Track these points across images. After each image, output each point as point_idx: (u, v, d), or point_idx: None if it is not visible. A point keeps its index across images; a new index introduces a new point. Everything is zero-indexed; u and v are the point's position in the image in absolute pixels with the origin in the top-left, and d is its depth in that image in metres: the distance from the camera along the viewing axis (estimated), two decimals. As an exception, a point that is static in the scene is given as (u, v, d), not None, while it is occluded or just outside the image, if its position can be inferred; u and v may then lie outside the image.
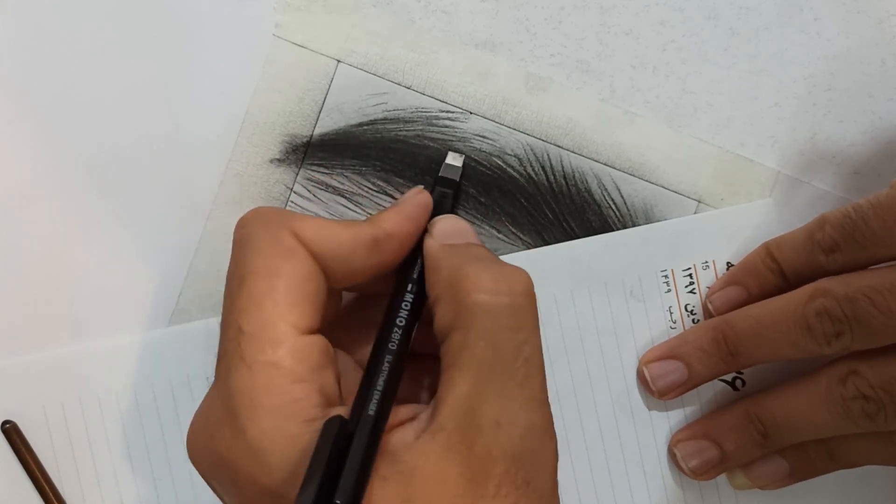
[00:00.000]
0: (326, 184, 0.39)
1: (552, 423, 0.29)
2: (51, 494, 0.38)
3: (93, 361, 0.38)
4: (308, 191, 0.39)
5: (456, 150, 0.38)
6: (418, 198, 0.34)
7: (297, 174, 0.39)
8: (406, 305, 0.32)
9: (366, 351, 0.31)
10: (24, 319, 0.38)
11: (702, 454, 0.37)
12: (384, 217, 0.32)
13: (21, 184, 0.38)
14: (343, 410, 0.29)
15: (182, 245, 0.39)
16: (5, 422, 0.38)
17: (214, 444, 0.29)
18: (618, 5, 0.38)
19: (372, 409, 0.29)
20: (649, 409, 0.39)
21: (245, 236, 0.31)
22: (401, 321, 0.31)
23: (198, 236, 0.39)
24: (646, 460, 0.39)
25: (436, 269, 0.31)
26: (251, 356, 0.29)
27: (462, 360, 0.28)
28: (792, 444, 0.36)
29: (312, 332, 0.30)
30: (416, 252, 0.33)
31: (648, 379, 0.38)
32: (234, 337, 0.29)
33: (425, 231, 0.33)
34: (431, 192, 0.35)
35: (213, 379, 0.30)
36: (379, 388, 0.29)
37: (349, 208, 0.39)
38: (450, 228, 0.33)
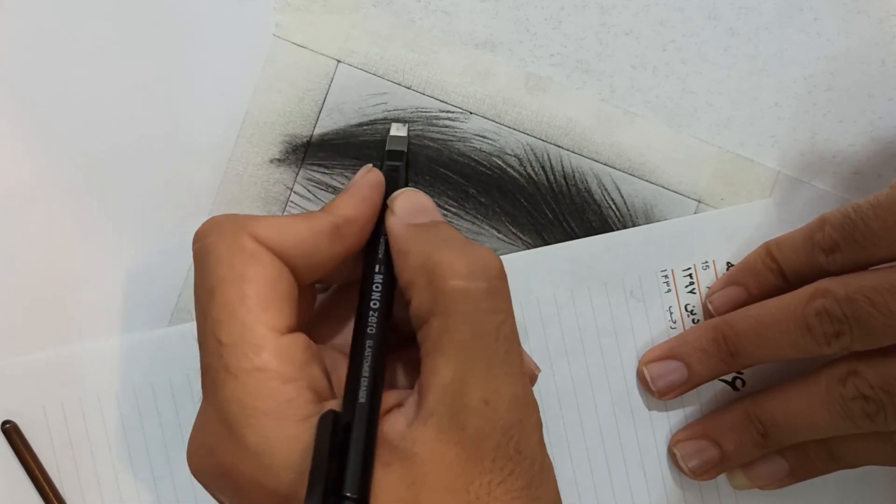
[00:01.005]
0: (326, 184, 0.39)
1: (532, 393, 0.30)
2: (51, 494, 0.38)
3: (93, 361, 0.38)
4: (308, 191, 0.39)
5: (399, 120, 0.38)
6: (369, 177, 0.33)
7: (297, 174, 0.39)
8: (377, 287, 0.31)
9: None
10: (24, 319, 0.38)
11: (702, 454, 0.37)
12: (339, 203, 0.32)
13: (21, 184, 0.38)
14: (336, 403, 0.29)
15: (182, 245, 0.38)
16: (5, 422, 0.38)
17: (216, 458, 0.29)
18: (618, 5, 0.38)
19: (363, 396, 0.29)
20: (649, 409, 0.39)
21: (205, 248, 0.30)
22: (375, 304, 0.31)
23: (198, 236, 0.39)
24: (646, 460, 0.39)
25: (404, 252, 0.31)
26: (236, 366, 0.29)
27: (444, 345, 0.29)
28: (792, 445, 0.36)
29: (291, 330, 0.30)
30: (377, 231, 0.33)
31: (648, 379, 0.38)
32: (215, 350, 0.29)
33: (385, 208, 0.33)
34: (381, 168, 0.35)
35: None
36: (366, 374, 0.29)
37: (349, 208, 0.39)
38: (411, 205, 0.33)
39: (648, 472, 0.39)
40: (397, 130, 0.37)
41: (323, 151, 0.39)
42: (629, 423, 0.39)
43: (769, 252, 0.37)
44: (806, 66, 0.39)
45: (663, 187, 0.39)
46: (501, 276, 0.30)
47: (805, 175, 0.39)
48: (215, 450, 0.29)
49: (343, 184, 0.39)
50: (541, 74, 0.39)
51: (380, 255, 0.32)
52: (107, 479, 0.38)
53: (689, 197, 0.39)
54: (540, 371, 0.35)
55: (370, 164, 0.35)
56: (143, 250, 0.39)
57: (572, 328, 0.38)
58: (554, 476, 0.30)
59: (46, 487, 0.38)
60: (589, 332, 0.38)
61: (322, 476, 0.26)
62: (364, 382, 0.29)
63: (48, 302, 0.38)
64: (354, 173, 0.38)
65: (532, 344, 0.38)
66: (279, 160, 0.39)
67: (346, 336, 0.34)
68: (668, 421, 0.39)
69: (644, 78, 0.39)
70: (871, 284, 0.33)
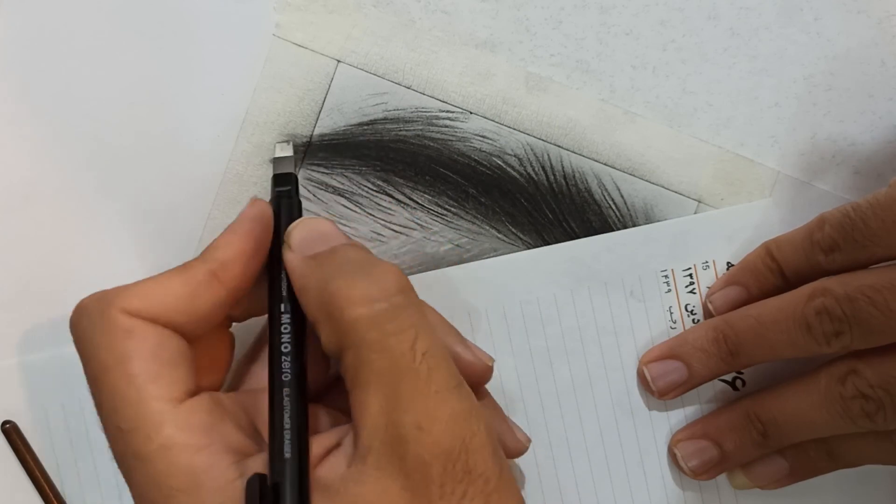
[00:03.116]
0: (326, 184, 0.39)
1: (473, 405, 0.29)
2: (51, 494, 0.38)
3: (93, 361, 0.38)
4: (308, 191, 0.39)
5: (283, 140, 0.36)
6: (249, 210, 0.32)
7: (297, 174, 0.39)
8: (286, 329, 0.30)
9: None
10: (24, 319, 0.38)
11: (702, 454, 0.37)
12: (216, 245, 0.31)
13: (21, 184, 0.38)
14: (262, 458, 0.28)
15: (182, 245, 0.39)
16: (5, 422, 0.38)
17: None
18: (618, 5, 0.38)
19: (288, 451, 0.28)
20: (649, 409, 0.39)
21: (79, 337, 0.30)
22: (285, 347, 0.30)
23: (198, 236, 0.39)
24: (646, 460, 0.39)
25: (304, 288, 0.30)
26: (140, 450, 0.28)
27: (363, 377, 0.28)
28: (792, 444, 0.36)
29: (191, 394, 0.29)
30: (278, 266, 0.31)
31: (648, 379, 0.38)
32: (118, 438, 0.28)
33: (283, 243, 0.31)
34: (271, 197, 0.33)
35: None
36: (287, 426, 0.28)
37: (349, 208, 0.39)
38: (308, 236, 0.31)
39: (648, 472, 0.39)
40: (281, 151, 0.35)
41: (323, 151, 0.39)
42: (629, 423, 0.39)
43: (769, 252, 0.37)
44: (806, 66, 0.39)
45: (663, 187, 0.39)
46: (403, 291, 0.29)
47: (805, 175, 0.39)
48: None
49: (343, 184, 0.39)
50: (541, 74, 0.39)
51: (283, 293, 0.31)
52: (107, 479, 0.38)
53: (689, 197, 0.39)
54: (493, 361, 0.33)
55: (254, 196, 0.33)
56: (142, 250, 0.39)
57: (572, 328, 0.38)
58: (514, 485, 0.29)
59: (46, 487, 0.38)
60: (589, 332, 0.38)
61: None
62: (287, 436, 0.28)
63: (48, 302, 0.38)
64: (354, 173, 0.39)
65: (532, 344, 0.38)
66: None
67: None
68: (668, 421, 0.39)
69: (644, 78, 0.39)
70: (871, 283, 0.32)
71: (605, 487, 0.38)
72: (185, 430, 0.28)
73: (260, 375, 0.33)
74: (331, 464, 0.28)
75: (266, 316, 0.32)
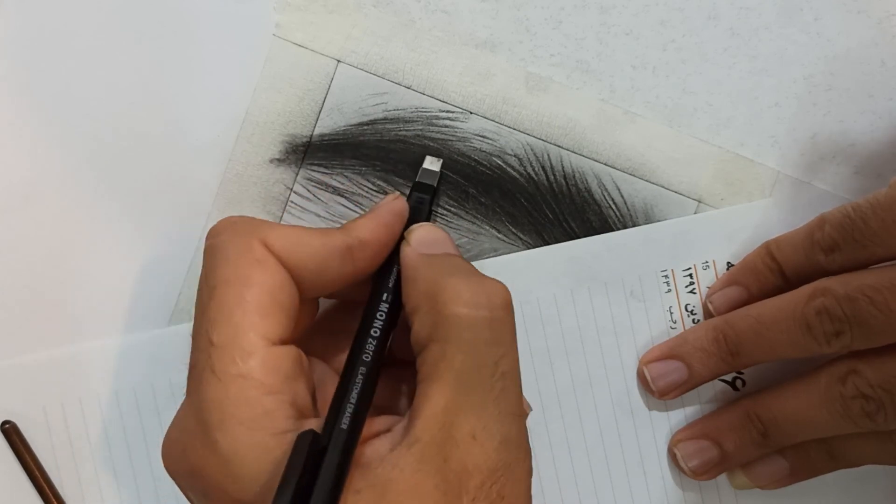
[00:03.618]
0: (326, 184, 0.39)
1: (527, 438, 0.29)
2: (50, 494, 0.38)
3: (93, 361, 0.38)
4: (308, 191, 0.39)
5: (434, 154, 0.38)
6: (393, 204, 0.33)
7: (297, 174, 0.39)
8: (381, 315, 0.31)
9: (342, 359, 0.31)
10: (24, 319, 0.38)
11: (702, 454, 0.37)
12: (358, 224, 0.32)
13: (21, 183, 0.38)
14: (316, 423, 0.29)
15: (182, 245, 0.39)
16: (5, 422, 0.38)
17: (187, 456, 0.29)
18: (618, 5, 0.38)
19: (345, 423, 0.28)
20: (649, 409, 0.39)
21: (216, 245, 0.31)
22: (375, 331, 0.31)
23: (198, 236, 0.39)
24: (646, 460, 0.39)
25: (413, 279, 0.31)
26: (221, 368, 0.28)
27: (440, 372, 0.28)
28: (792, 444, 0.36)
29: (284, 342, 0.30)
30: (391, 260, 0.33)
31: (649, 379, 0.38)
32: (205, 348, 0.29)
33: (402, 238, 0.33)
34: (409, 198, 0.35)
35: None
36: (352, 400, 0.29)
37: (349, 208, 0.39)
38: (427, 237, 0.33)
39: (648, 472, 0.39)
40: (430, 164, 0.37)
41: (323, 151, 0.39)
42: (629, 423, 0.39)
43: (769, 252, 0.37)
44: (806, 66, 0.39)
45: (663, 187, 0.39)
46: (507, 308, 0.30)
47: (805, 175, 0.39)
48: (187, 448, 0.29)
49: (343, 183, 0.39)
50: (541, 74, 0.39)
51: (390, 285, 0.32)
52: (107, 479, 0.38)
53: (689, 197, 0.39)
54: (531, 410, 0.34)
55: (397, 193, 0.35)
56: (142, 250, 0.39)
57: (572, 328, 0.38)
58: None
59: (46, 487, 0.38)
60: (589, 332, 0.38)
61: (289, 495, 0.26)
62: (349, 409, 0.29)
63: (48, 302, 0.38)
64: (354, 173, 0.39)
65: (532, 344, 0.38)
66: (279, 160, 0.39)
67: (339, 352, 0.34)
68: (668, 421, 0.39)
69: (644, 78, 0.39)
70: (871, 283, 0.32)
71: (605, 487, 0.38)
72: (268, 370, 0.29)
73: (321, 349, 0.34)
74: (375, 445, 0.29)
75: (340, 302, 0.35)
